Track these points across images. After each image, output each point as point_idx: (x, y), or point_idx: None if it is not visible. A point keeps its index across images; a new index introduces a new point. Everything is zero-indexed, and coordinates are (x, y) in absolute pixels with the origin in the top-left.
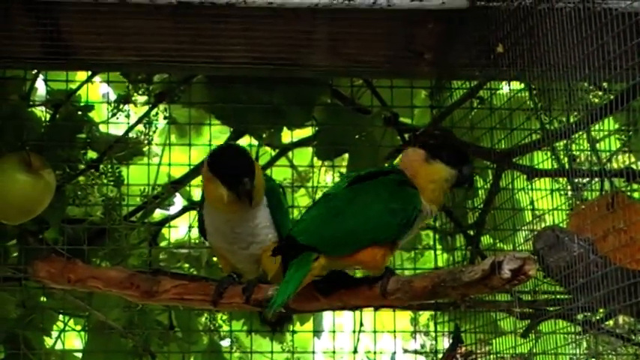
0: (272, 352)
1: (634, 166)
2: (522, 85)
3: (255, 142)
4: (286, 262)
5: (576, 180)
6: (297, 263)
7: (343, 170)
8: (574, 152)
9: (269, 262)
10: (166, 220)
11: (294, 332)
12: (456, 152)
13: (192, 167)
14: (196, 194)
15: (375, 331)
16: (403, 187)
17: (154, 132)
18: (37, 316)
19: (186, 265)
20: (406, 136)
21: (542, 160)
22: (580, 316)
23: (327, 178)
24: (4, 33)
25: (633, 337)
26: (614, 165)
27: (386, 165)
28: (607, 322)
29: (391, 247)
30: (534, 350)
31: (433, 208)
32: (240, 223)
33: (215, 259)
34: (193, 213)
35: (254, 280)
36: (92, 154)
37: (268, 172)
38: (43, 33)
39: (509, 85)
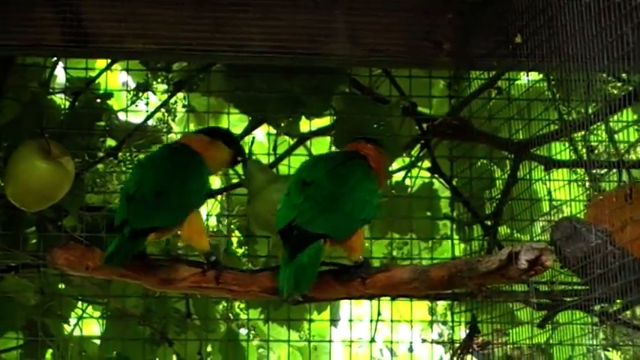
0: (289, 341)
1: None
2: (541, 76)
3: (273, 131)
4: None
5: (594, 171)
6: (310, 250)
7: None
8: (592, 143)
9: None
10: None
11: (311, 321)
12: None
13: None
14: (214, 183)
15: (392, 321)
16: (368, 169)
17: (173, 120)
18: (56, 303)
19: None
20: (424, 125)
21: (560, 150)
22: (597, 307)
23: None
24: (25, 21)
25: None
26: (632, 156)
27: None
28: (624, 313)
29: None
30: (551, 341)
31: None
32: None
33: (234, 246)
34: (211, 201)
35: None
36: (111, 142)
37: (286, 161)
38: (63, 20)
39: (527, 76)
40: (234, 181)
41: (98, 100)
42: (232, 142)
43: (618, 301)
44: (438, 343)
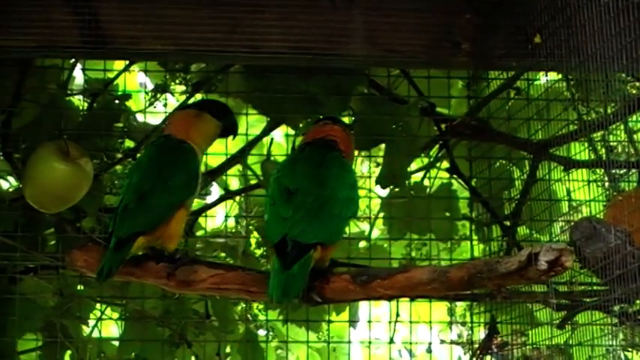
0: (308, 342)
1: None
2: (560, 76)
3: (291, 132)
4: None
5: (613, 171)
6: (302, 260)
7: (379, 160)
8: (611, 143)
9: None
10: (203, 209)
11: (330, 322)
12: None
13: (228, 156)
14: (233, 183)
15: (411, 322)
16: (342, 159)
17: None
18: (74, 304)
19: (223, 255)
20: (443, 126)
21: (579, 151)
22: (617, 308)
23: (363, 167)
24: (43, 22)
25: None
26: None
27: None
28: None
29: None
30: (570, 341)
31: None
32: None
33: (252, 247)
34: (230, 202)
35: None
36: (129, 143)
37: None
38: (81, 22)
39: (546, 76)
40: (253, 182)
41: (116, 102)
42: (221, 114)
43: (638, 301)
44: (456, 343)
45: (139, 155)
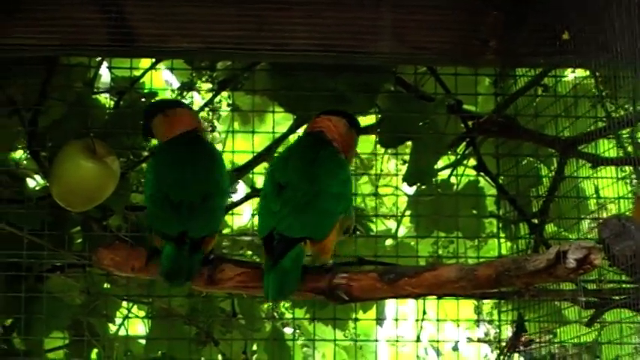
0: (335, 340)
1: None
2: (587, 73)
3: None
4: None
5: None
6: (291, 254)
7: (406, 158)
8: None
9: None
10: (229, 207)
11: (356, 320)
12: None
13: (255, 154)
14: (259, 181)
15: (438, 320)
16: (337, 155)
17: (217, 119)
18: (101, 302)
19: (249, 253)
20: (470, 123)
21: (607, 148)
22: None
23: (389, 165)
24: (70, 21)
25: None
26: None
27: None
28: None
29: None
30: (599, 340)
31: None
32: None
33: None
34: (256, 200)
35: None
36: (155, 142)
37: None
38: (108, 20)
39: (574, 73)
40: None
41: (143, 100)
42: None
43: None
44: (484, 342)
45: None
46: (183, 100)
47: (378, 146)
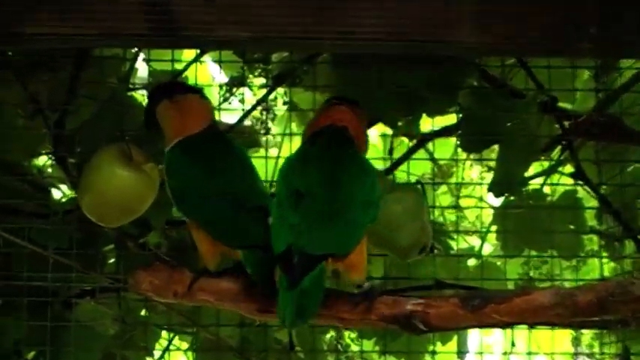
0: None
1: None
2: None
3: (389, 131)
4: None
5: None
6: (313, 274)
7: (492, 164)
8: None
9: None
10: None
11: (434, 353)
12: None
13: None
14: None
15: (529, 353)
16: (357, 154)
17: (272, 120)
18: (138, 332)
19: None
20: (566, 123)
21: None
22: None
23: (472, 173)
24: (106, 7)
25: None
26: None
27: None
28: None
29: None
30: None
31: None
32: None
33: None
34: None
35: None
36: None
37: (405, 165)
38: (148, 6)
39: None
40: None
41: None
42: None
43: None
44: None
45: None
46: (233, 98)
47: (459, 150)
